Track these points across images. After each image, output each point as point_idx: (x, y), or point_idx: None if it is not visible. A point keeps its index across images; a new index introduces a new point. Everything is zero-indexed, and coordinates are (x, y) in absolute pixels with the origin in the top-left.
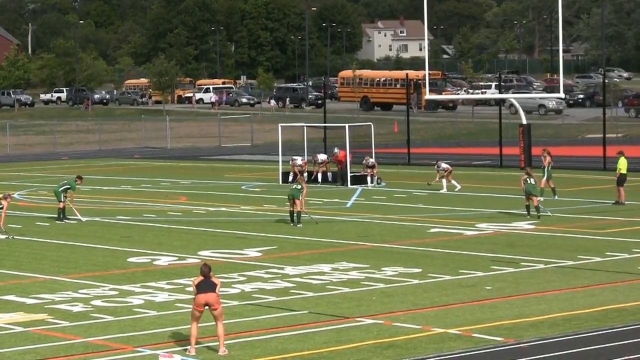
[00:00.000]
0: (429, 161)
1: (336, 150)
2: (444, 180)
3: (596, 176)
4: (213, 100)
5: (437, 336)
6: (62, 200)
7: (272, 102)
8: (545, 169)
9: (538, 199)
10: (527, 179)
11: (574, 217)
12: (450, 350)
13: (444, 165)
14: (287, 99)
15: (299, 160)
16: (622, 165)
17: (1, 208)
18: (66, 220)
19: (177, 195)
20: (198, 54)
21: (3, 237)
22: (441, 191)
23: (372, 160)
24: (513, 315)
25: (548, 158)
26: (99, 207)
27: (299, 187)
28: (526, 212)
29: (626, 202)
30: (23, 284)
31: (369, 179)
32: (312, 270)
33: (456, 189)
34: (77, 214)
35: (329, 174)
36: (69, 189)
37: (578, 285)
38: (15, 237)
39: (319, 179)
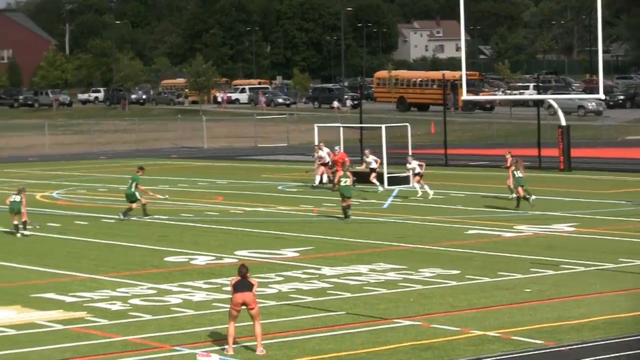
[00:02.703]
0: (467, 162)
1: (337, 148)
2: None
3: (637, 178)
4: (220, 99)
5: (476, 338)
6: (140, 197)
7: (336, 103)
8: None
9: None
10: (515, 172)
11: (615, 220)
12: (489, 353)
13: (325, 151)
14: (348, 99)
15: (326, 152)
16: None
17: (21, 202)
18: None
19: (214, 195)
20: (234, 54)
21: (29, 228)
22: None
23: (415, 163)
24: (553, 318)
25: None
26: (136, 207)
27: (348, 183)
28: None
29: None
30: (62, 283)
31: (417, 185)
32: (349, 271)
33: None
34: (157, 195)
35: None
36: (137, 183)
37: (620, 289)
38: (37, 226)
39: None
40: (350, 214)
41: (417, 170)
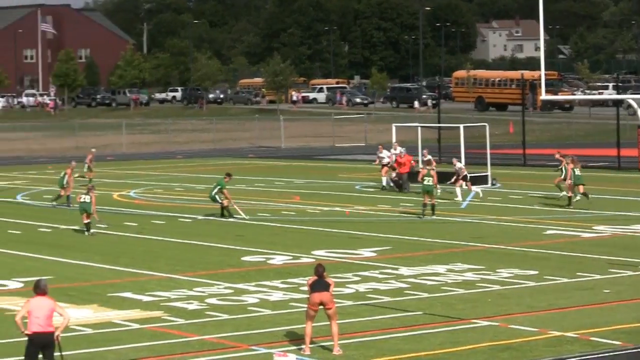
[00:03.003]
0: (545, 162)
1: (401, 150)
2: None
3: None
4: (295, 98)
5: (554, 339)
6: (220, 201)
7: (416, 103)
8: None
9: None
10: (575, 170)
11: None
12: (567, 354)
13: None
14: (428, 99)
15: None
16: None
17: (90, 202)
18: (232, 219)
19: (291, 194)
20: (311, 53)
21: (102, 226)
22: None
23: (459, 165)
24: (632, 319)
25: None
26: (213, 206)
27: (432, 182)
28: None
29: None
30: (139, 282)
31: (457, 190)
32: (427, 271)
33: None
34: (240, 211)
35: (384, 179)
36: (221, 189)
37: None
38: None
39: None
40: (426, 213)
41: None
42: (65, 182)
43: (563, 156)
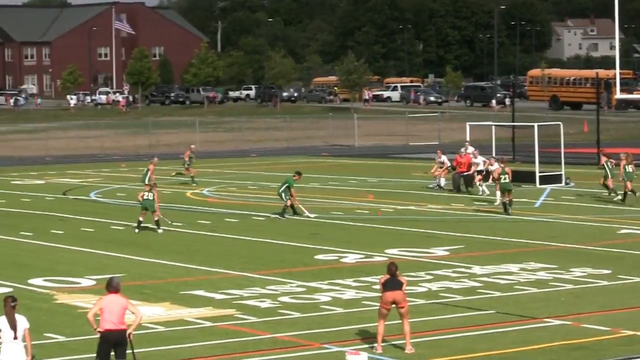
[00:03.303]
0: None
1: (462, 150)
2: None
3: None
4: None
5: (627, 339)
6: (287, 199)
7: (493, 101)
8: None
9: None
10: (627, 167)
11: None
12: (639, 353)
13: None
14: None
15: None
16: None
17: (152, 198)
18: (296, 216)
19: (364, 193)
20: (386, 52)
21: (169, 222)
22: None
23: (480, 159)
24: None
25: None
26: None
27: (508, 179)
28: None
29: None
30: (212, 280)
31: (479, 186)
32: (499, 270)
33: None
34: (305, 210)
35: (441, 180)
36: (289, 187)
37: None
38: (173, 222)
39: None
40: (511, 210)
41: (481, 167)
42: (147, 178)
43: (607, 155)
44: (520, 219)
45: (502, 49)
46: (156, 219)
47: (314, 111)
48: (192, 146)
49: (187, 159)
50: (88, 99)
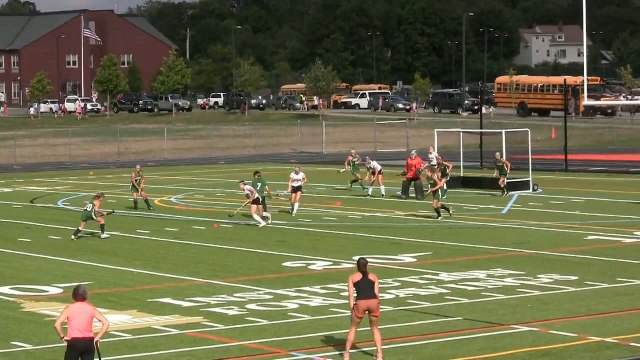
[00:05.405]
0: (587, 168)
1: (413, 153)
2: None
3: None
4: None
5: (594, 345)
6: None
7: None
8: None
9: None
10: None
11: None
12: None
13: (374, 163)
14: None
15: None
16: None
17: (91, 210)
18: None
19: (332, 200)
20: (354, 59)
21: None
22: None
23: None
24: None
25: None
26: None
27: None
28: None
29: None
30: (179, 287)
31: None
32: (467, 276)
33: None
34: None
35: (382, 187)
36: (264, 184)
37: None
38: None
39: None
40: (442, 215)
41: (434, 162)
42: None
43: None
44: (488, 225)
45: (471, 56)
46: (102, 222)
47: (282, 118)
48: (138, 166)
49: (134, 182)
50: (55, 107)
